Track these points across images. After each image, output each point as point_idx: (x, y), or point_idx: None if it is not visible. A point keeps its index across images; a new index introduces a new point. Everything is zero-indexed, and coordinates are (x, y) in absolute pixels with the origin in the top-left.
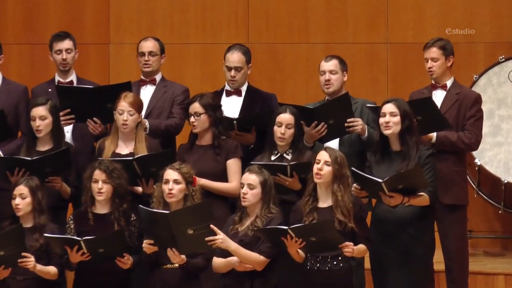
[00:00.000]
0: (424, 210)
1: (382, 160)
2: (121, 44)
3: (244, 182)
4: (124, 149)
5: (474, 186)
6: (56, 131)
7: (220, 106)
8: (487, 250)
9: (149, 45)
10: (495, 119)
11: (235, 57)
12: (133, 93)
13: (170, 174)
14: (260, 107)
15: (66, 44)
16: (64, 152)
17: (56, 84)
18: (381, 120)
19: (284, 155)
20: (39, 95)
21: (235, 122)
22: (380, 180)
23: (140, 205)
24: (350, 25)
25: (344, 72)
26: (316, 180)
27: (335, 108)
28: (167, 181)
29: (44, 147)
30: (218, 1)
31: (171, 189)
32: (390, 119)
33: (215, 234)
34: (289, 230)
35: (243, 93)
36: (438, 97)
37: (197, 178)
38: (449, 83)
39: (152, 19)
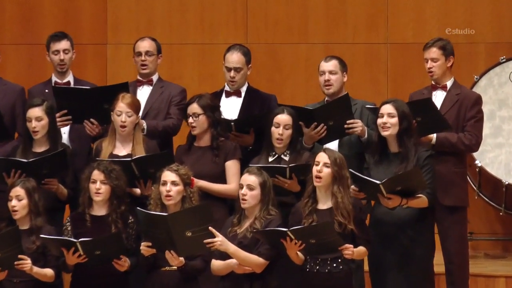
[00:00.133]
0: (422, 212)
1: (380, 161)
2: (119, 44)
3: (243, 183)
4: (121, 150)
5: (475, 188)
6: (53, 132)
7: (219, 107)
8: (488, 252)
9: (145, 45)
10: (496, 120)
11: (234, 58)
12: (130, 94)
13: (168, 175)
14: (259, 108)
15: (64, 44)
16: (61, 153)
17: (53, 85)
18: (379, 121)
19: (282, 156)
20: (35, 96)
21: (232, 123)
22: (378, 182)
23: (138, 207)
24: (350, 25)
25: (344, 72)
26: (315, 184)
27: (335, 109)
28: (164, 183)
29: (40, 148)
30: (217, 1)
31: (168, 191)
32: (388, 120)
33: (213, 236)
34: (288, 232)
35: (243, 94)
36: (438, 97)
37: (195, 180)
38: (449, 83)
39: (150, 19)
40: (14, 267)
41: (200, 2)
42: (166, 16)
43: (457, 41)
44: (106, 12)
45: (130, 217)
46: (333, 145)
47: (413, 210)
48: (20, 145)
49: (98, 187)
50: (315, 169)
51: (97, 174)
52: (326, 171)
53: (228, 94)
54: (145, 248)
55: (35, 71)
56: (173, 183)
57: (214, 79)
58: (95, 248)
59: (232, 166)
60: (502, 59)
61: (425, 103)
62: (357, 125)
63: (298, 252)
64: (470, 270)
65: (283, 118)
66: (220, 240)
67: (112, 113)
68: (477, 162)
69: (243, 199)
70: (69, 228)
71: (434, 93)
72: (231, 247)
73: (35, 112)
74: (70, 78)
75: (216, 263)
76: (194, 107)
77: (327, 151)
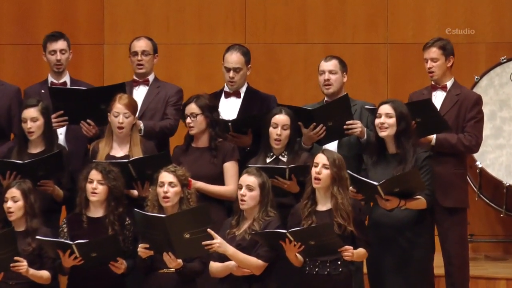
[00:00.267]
0: (421, 213)
1: (378, 162)
2: (116, 44)
3: (242, 183)
4: (119, 151)
5: (476, 189)
6: (48, 133)
7: (217, 107)
8: (489, 254)
9: (142, 44)
10: (497, 121)
11: (234, 58)
12: (127, 95)
13: (166, 176)
14: (259, 109)
15: (60, 44)
16: (57, 155)
17: (49, 85)
18: (377, 121)
19: (280, 157)
20: (31, 96)
21: (230, 124)
22: (375, 183)
23: (136, 209)
24: (349, 25)
25: (344, 73)
26: (315, 186)
27: (334, 109)
28: (162, 184)
29: (35, 149)
30: (215, 0)
31: (166, 192)
32: (386, 121)
33: (212, 238)
34: (287, 234)
35: (242, 95)
36: (438, 98)
37: (193, 181)
38: (449, 84)
39: (147, 19)
40: (10, 269)
41: (198, 1)
42: (163, 15)
43: (457, 41)
44: (103, 12)
45: (127, 219)
46: (332, 146)
47: (412, 212)
48: (15, 146)
49: (95, 186)
50: (314, 170)
51: (94, 174)
52: (325, 172)
53: (228, 95)
54: (142, 250)
55: (31, 72)
56: (171, 184)
57: (212, 79)
58: (91, 250)
59: (230, 168)
60: (502, 59)
61: (425, 104)
62: (357, 126)
63: (297, 254)
64: (471, 272)
65: (281, 118)
66: (218, 242)
67: (109, 114)
68: (477, 163)
69: (242, 200)
70: (65, 230)
71: (434, 93)
72: (230, 249)
73: (30, 112)
74: (66, 78)
75: (214, 265)
76: (192, 107)
77: (326, 152)
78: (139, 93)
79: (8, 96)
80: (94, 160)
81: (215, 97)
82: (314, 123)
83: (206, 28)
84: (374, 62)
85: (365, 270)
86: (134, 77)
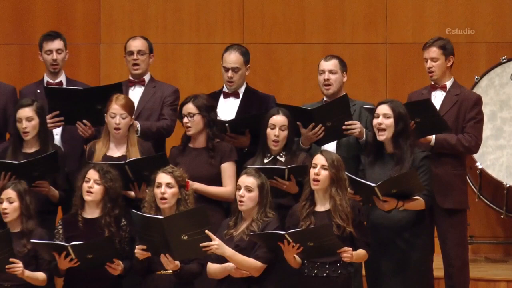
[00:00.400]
0: (420, 215)
1: (375, 161)
2: (112, 44)
3: (241, 184)
4: (115, 152)
5: (476, 190)
6: (43, 133)
7: (215, 107)
8: (489, 256)
9: (137, 44)
10: (497, 121)
11: (232, 58)
12: (124, 95)
13: (163, 177)
14: (257, 109)
15: (57, 44)
16: (52, 155)
17: (45, 85)
18: (375, 121)
19: (278, 157)
20: (27, 96)
21: (227, 124)
22: (373, 184)
23: (133, 210)
24: (348, 25)
25: (344, 73)
26: (313, 187)
27: (333, 110)
28: (159, 185)
29: (30, 149)
30: (212, 0)
31: (163, 193)
32: (384, 121)
33: (210, 239)
34: (286, 235)
35: (241, 95)
36: (438, 98)
37: (190, 182)
38: (449, 84)
39: (144, 18)
40: (5, 271)
41: (196, 1)
42: (160, 15)
43: (457, 41)
44: (100, 12)
45: (123, 220)
46: (331, 146)
47: (410, 213)
48: (10, 146)
49: (90, 185)
50: (312, 171)
51: (92, 173)
52: (324, 173)
53: (226, 95)
54: (139, 251)
55: (27, 71)
56: (168, 185)
57: (209, 79)
58: (87, 252)
59: (228, 168)
60: (503, 59)
61: (424, 104)
62: (356, 127)
63: (296, 256)
64: (471, 274)
65: (278, 119)
66: (216, 244)
67: (106, 115)
68: (478, 164)
69: (241, 201)
70: (60, 232)
71: (433, 93)
72: (228, 251)
73: (25, 112)
74: (62, 78)
75: (212, 267)
76: (190, 107)
77: (324, 153)
78: (135, 94)
79: (4, 96)
80: (90, 161)
81: (214, 98)
82: (313, 123)
83: (203, 27)
84: (373, 62)
85: (363, 272)
86: (130, 77)
